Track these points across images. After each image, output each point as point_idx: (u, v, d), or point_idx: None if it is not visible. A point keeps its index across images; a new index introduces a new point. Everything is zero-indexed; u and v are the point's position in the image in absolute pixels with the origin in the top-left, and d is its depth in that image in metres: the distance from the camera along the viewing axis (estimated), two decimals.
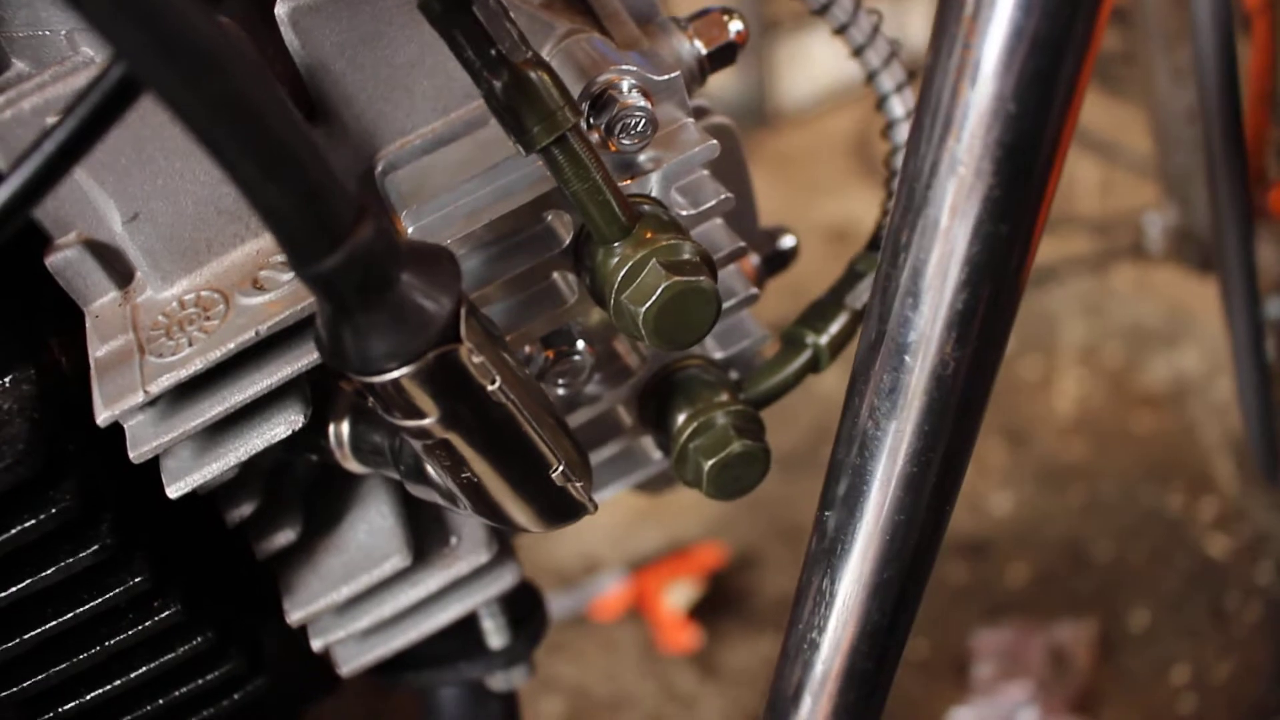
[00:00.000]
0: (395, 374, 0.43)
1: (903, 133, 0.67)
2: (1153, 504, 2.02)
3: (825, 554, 0.53)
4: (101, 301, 0.54)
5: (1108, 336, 2.34)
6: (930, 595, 1.91)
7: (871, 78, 0.67)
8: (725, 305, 0.60)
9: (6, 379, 0.52)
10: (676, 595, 1.86)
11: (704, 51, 0.59)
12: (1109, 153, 2.65)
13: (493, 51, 0.46)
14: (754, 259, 0.68)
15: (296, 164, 0.38)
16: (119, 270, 0.53)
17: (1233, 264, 1.05)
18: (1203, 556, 1.92)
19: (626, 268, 0.49)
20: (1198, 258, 1.47)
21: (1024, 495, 2.07)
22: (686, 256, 0.49)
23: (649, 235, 0.50)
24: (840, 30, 0.66)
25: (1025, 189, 0.42)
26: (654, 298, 0.48)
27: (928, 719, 1.73)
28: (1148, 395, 2.21)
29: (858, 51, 0.66)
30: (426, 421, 0.45)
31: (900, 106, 0.67)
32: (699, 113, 0.63)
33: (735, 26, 0.60)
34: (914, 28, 3.05)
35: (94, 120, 0.38)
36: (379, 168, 0.55)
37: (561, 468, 0.50)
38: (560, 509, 0.52)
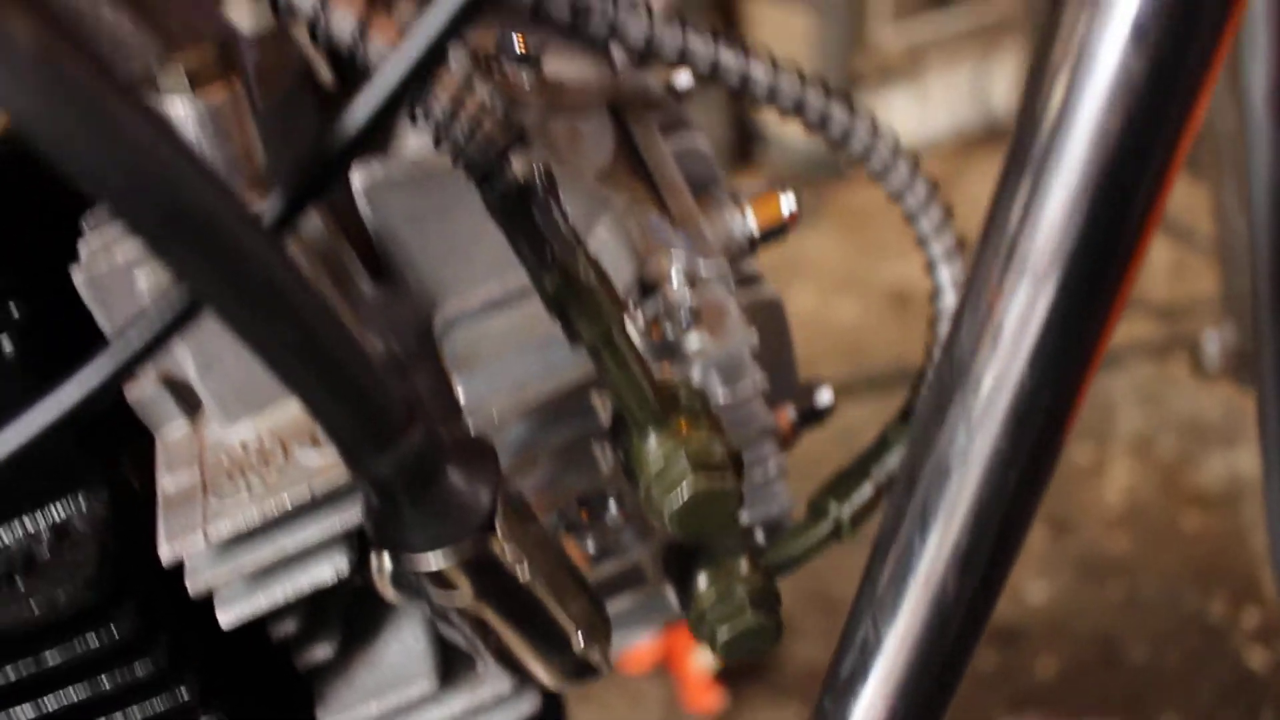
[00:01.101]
0: (434, 561, 0.46)
1: (945, 305, 0.69)
2: (1194, 608, 1.99)
3: None
4: (171, 429, 0.58)
5: (1164, 428, 2.31)
6: None
7: (923, 243, 0.69)
8: (755, 478, 0.63)
9: (83, 501, 0.56)
10: (705, 655, 1.88)
11: (756, 231, 0.61)
12: (1184, 235, 2.61)
13: (547, 253, 0.49)
14: (791, 413, 0.70)
15: (351, 382, 0.41)
16: (189, 402, 0.57)
17: (1271, 379, 1.05)
18: (1241, 668, 1.89)
19: (657, 460, 0.52)
20: (1255, 377, 1.46)
21: (1061, 585, 2.05)
22: (715, 456, 0.52)
23: (682, 427, 0.53)
24: (896, 198, 0.68)
25: (1037, 449, 0.45)
26: (680, 496, 0.51)
27: None
28: (1199, 493, 2.18)
29: (911, 218, 0.69)
30: (459, 598, 0.49)
31: (947, 275, 0.69)
32: (749, 281, 0.65)
33: (788, 206, 0.62)
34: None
35: (165, 330, 0.41)
36: (437, 324, 0.58)
37: (582, 638, 0.53)
38: (578, 672, 0.55)
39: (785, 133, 3.04)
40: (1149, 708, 1.85)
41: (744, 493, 0.55)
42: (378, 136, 0.50)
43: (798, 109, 0.63)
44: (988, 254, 0.44)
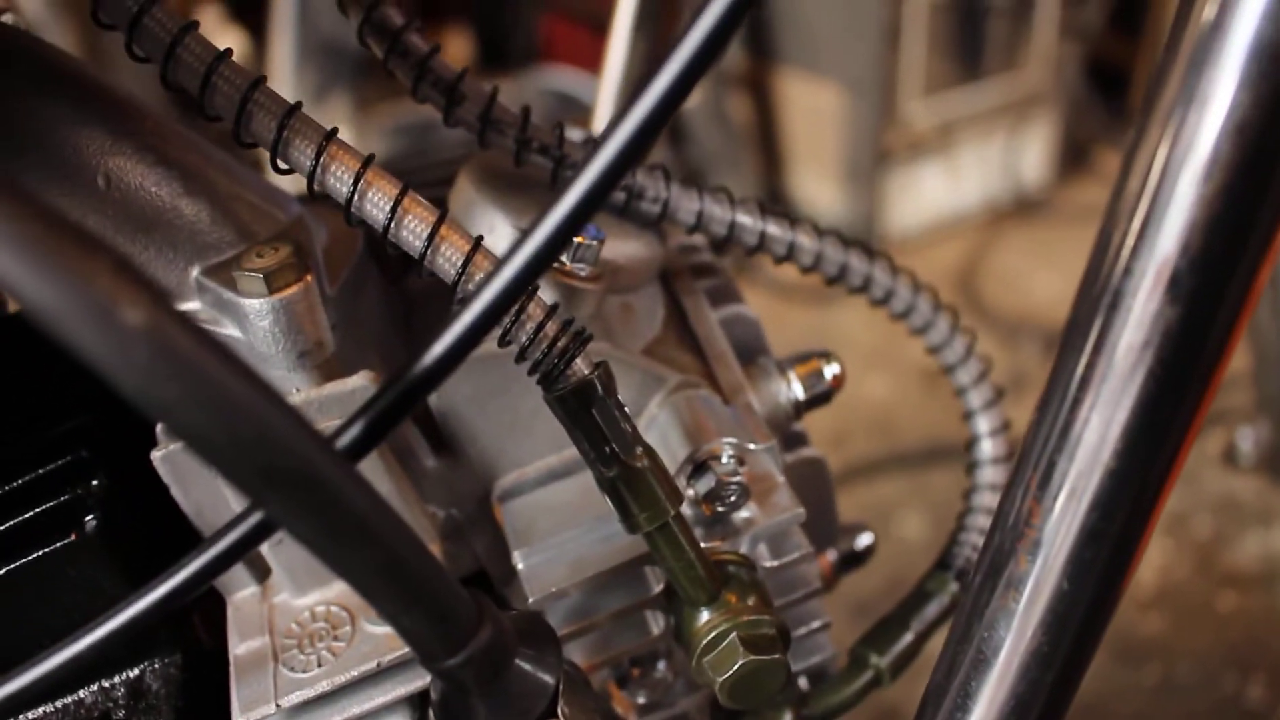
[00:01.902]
0: None
1: (983, 456, 0.71)
2: (1231, 691, 1.97)
3: None
4: (243, 595, 0.61)
5: (1198, 508, 2.30)
6: None
7: (960, 393, 0.72)
8: (799, 632, 0.65)
9: (157, 663, 0.59)
10: None
11: (801, 398, 0.64)
12: None
13: (607, 449, 0.52)
14: (831, 556, 0.72)
15: (428, 595, 0.44)
16: (259, 569, 0.60)
17: None
18: None
19: (709, 635, 0.54)
20: None
21: (1096, 667, 2.02)
22: (764, 631, 0.54)
23: (733, 602, 0.55)
24: (934, 351, 0.70)
25: (1076, 651, 0.47)
26: (731, 671, 0.54)
27: None
28: (1235, 574, 2.17)
29: (949, 370, 0.71)
30: None
31: (984, 425, 0.71)
32: (795, 440, 0.68)
33: (832, 372, 0.65)
34: None
35: (242, 544, 0.44)
36: (496, 493, 0.61)
37: None
38: None
39: (818, 200, 3.08)
40: None
41: (792, 677, 0.57)
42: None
43: (841, 273, 0.66)
44: (1025, 469, 0.47)
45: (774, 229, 0.64)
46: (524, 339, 0.50)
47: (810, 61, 2.92)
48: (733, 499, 0.57)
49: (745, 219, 0.64)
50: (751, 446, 0.58)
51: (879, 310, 0.68)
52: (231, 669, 0.58)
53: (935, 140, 2.95)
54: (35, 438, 0.59)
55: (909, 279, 0.69)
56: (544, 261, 0.42)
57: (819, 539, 0.67)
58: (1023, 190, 3.16)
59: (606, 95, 1.16)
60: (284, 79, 2.80)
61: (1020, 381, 2.71)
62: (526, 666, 0.49)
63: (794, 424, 0.66)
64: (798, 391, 0.64)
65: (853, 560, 0.74)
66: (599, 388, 0.51)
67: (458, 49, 3.52)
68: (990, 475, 0.71)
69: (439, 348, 0.43)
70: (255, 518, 0.44)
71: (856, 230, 3.01)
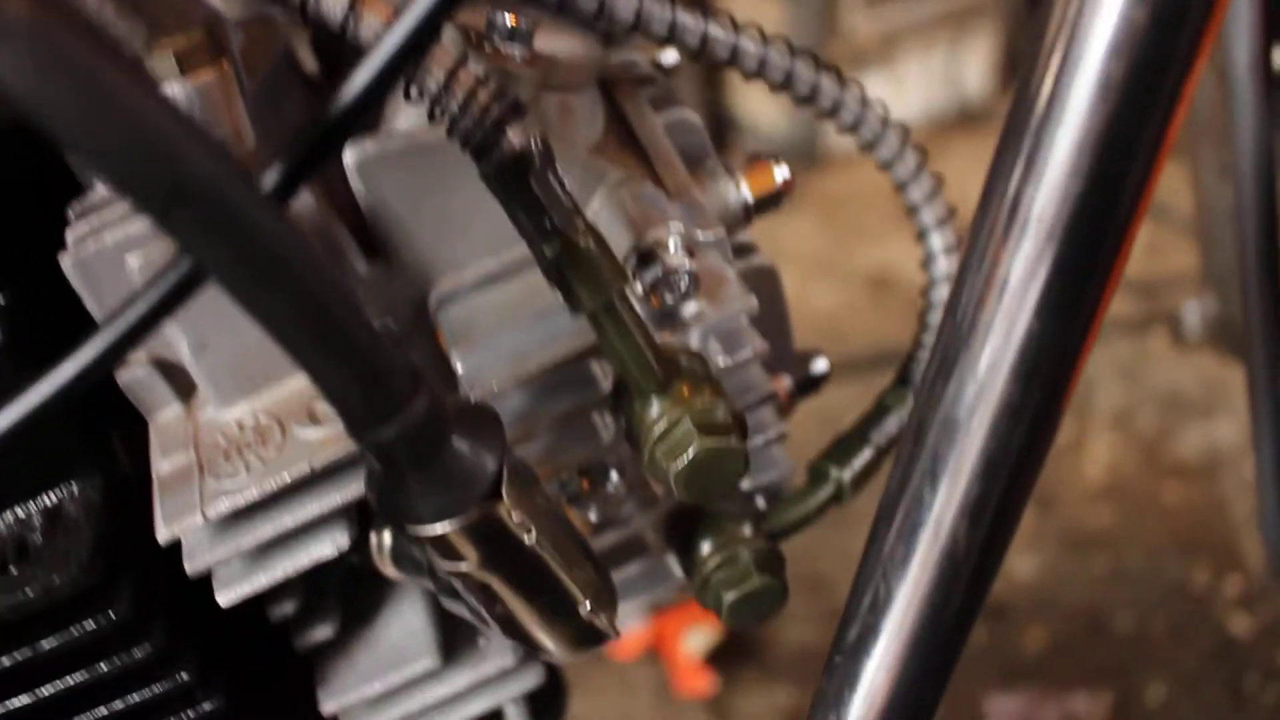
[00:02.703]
0: (440, 529, 0.46)
1: (938, 271, 0.69)
2: (1177, 578, 2.01)
3: (833, 696, 0.55)
4: (165, 414, 0.57)
5: (1143, 403, 2.33)
6: None
7: (913, 211, 0.69)
8: (756, 443, 0.63)
9: (75, 487, 0.55)
10: (695, 640, 1.88)
11: (750, 200, 0.61)
12: (1158, 214, 2.63)
13: (546, 222, 0.49)
14: (787, 383, 0.70)
15: (356, 349, 0.41)
16: (183, 385, 0.57)
17: (1259, 353, 1.06)
18: (1224, 635, 1.91)
19: (661, 424, 0.52)
20: (1235, 346, 1.47)
21: (1047, 560, 2.07)
22: (719, 417, 0.52)
23: (685, 392, 0.52)
24: (885, 167, 0.68)
25: (1044, 403, 0.45)
26: (686, 457, 0.51)
27: None
28: (1180, 466, 2.20)
29: (901, 187, 0.69)
30: (465, 566, 0.48)
31: (939, 242, 0.69)
32: (744, 250, 0.65)
33: (782, 174, 0.62)
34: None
35: (162, 305, 0.41)
36: (434, 300, 0.58)
37: (590, 604, 0.53)
38: (586, 639, 0.55)
39: (760, 119, 3.05)
40: (1135, 677, 1.86)
41: (749, 464, 0.55)
42: (371, 114, 0.50)
43: (787, 81, 0.63)
44: (990, 209, 0.44)
45: (717, 32, 0.61)
46: (454, 107, 0.47)
47: None
48: (682, 288, 0.54)
49: (687, 20, 0.60)
50: (700, 236, 0.56)
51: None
52: (155, 486, 0.55)
53: (877, 51, 2.93)
54: None
55: (858, 90, 0.66)
56: None
57: (773, 359, 0.65)
58: (965, 101, 3.15)
59: None
60: None
61: None
62: (466, 446, 0.46)
63: (743, 229, 0.63)
64: (746, 193, 0.61)
65: (809, 386, 0.72)
66: (536, 159, 0.48)
67: None
68: (945, 294, 0.69)
69: (359, 79, 0.40)
70: (174, 274, 0.40)
71: (799, 144, 2.99)
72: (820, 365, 0.72)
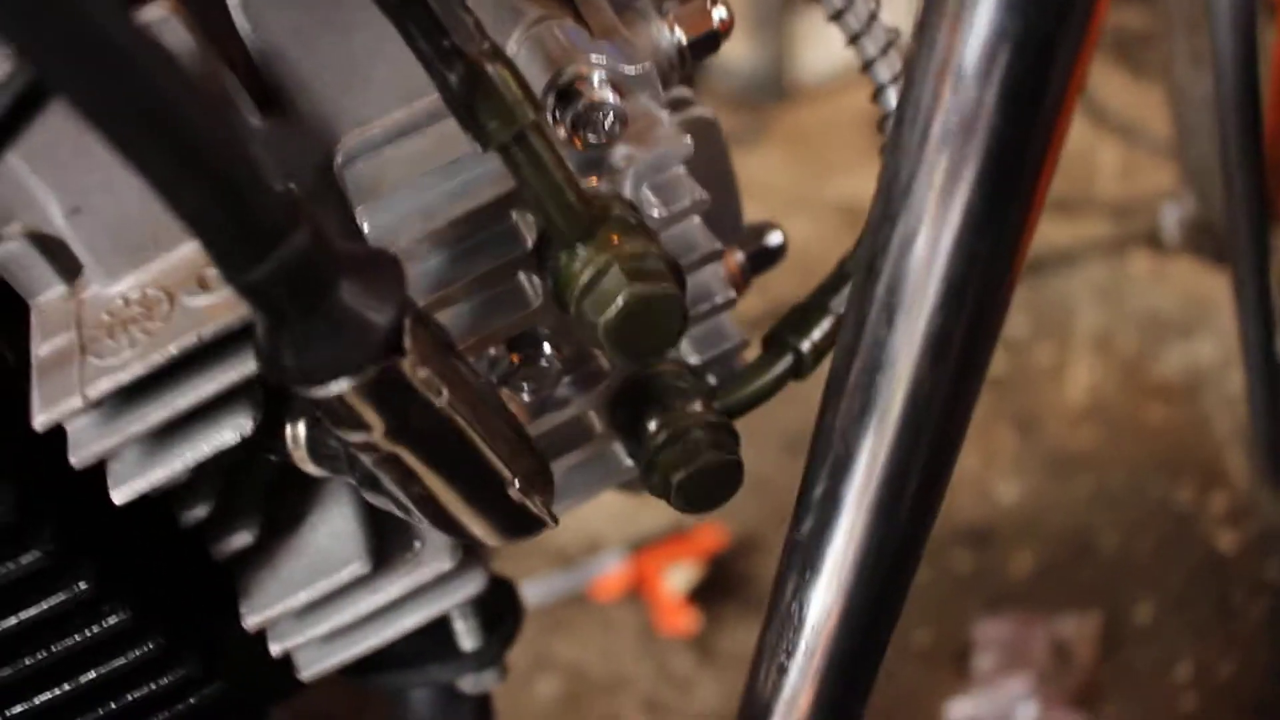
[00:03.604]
0: (335, 388, 0.41)
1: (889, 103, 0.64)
2: (1161, 496, 1.99)
3: (796, 576, 0.50)
4: (47, 295, 0.52)
5: (1123, 324, 2.30)
6: (933, 583, 1.89)
7: (868, 66, 0.64)
8: (700, 309, 0.57)
9: None
10: (677, 578, 1.85)
11: (684, 41, 0.56)
12: (1130, 135, 2.59)
13: (445, 43, 0.43)
14: (739, 256, 0.65)
15: (221, 169, 0.35)
16: (65, 264, 0.51)
17: (1245, 259, 1.01)
18: (1210, 551, 1.89)
19: (587, 273, 0.47)
20: (1215, 250, 1.43)
21: (1031, 484, 2.04)
22: (651, 263, 0.47)
23: (613, 239, 0.47)
24: (835, 17, 0.63)
25: (1008, 205, 0.39)
26: (614, 306, 0.46)
27: (928, 710, 1.72)
28: (1161, 386, 2.17)
29: (854, 39, 0.63)
30: (371, 435, 0.43)
31: (896, 99, 0.64)
32: (680, 104, 0.60)
33: (719, 14, 0.57)
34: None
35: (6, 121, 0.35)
36: (338, 158, 0.52)
37: (519, 483, 0.48)
38: (518, 524, 0.50)
39: (726, 54, 2.97)
40: (1123, 597, 1.84)
41: (689, 317, 0.50)
42: None
43: None
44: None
45: None
46: None
47: None
48: (607, 126, 0.49)
49: None
50: (626, 70, 0.50)
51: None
52: (34, 371, 0.49)
53: None
54: None
55: None
56: None
57: (720, 227, 0.60)
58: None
59: None
60: None
61: None
62: (359, 292, 0.40)
63: (677, 79, 0.58)
64: (680, 35, 0.56)
65: (763, 259, 0.66)
66: None
67: None
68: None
69: None
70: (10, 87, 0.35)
71: (765, 78, 2.93)
72: (774, 238, 0.67)
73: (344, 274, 0.40)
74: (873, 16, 0.63)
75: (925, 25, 0.40)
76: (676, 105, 0.59)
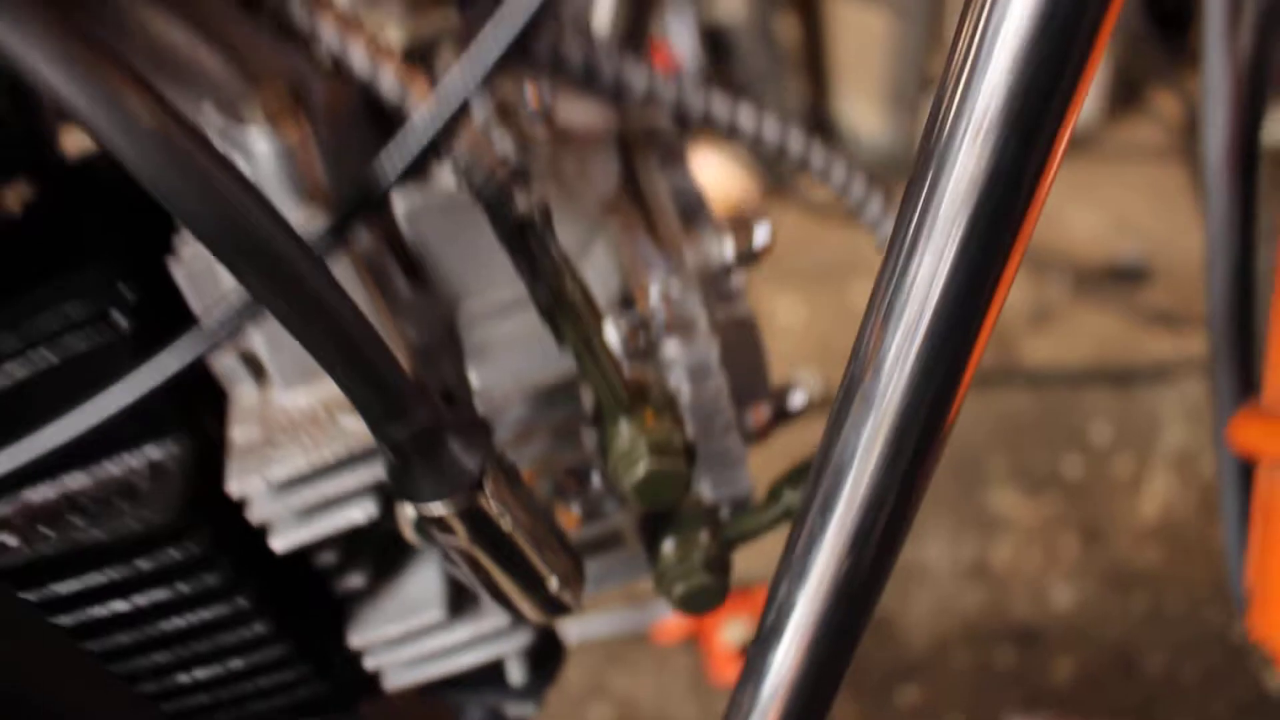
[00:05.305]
0: (435, 509, 0.59)
1: None
2: (1217, 625, 2.03)
3: (749, 679, 0.67)
4: (242, 391, 0.72)
5: (1207, 447, 2.34)
6: (973, 672, 1.98)
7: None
8: (718, 465, 0.74)
9: (173, 445, 0.71)
10: (733, 631, 2.00)
11: (730, 258, 0.73)
12: None
13: (540, 272, 0.62)
14: (766, 411, 0.81)
15: (372, 367, 0.54)
16: (259, 371, 0.71)
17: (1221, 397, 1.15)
18: (1257, 689, 1.93)
19: (623, 443, 0.64)
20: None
21: (1087, 592, 2.11)
22: (671, 443, 0.64)
23: (648, 418, 0.65)
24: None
25: (921, 443, 0.55)
26: (637, 473, 0.64)
27: None
28: None
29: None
30: (455, 539, 0.62)
31: None
32: (728, 298, 0.77)
33: (761, 238, 0.74)
34: None
35: (238, 319, 0.55)
36: (459, 318, 0.71)
37: (556, 581, 0.66)
38: (553, 608, 0.68)
39: (860, 129, 3.11)
40: (1161, 718, 1.90)
41: (711, 476, 0.67)
42: (413, 174, 0.63)
43: (804, 163, 0.74)
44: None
45: (746, 116, 0.72)
46: (478, 180, 0.60)
47: None
48: (656, 331, 0.66)
49: (693, 98, 0.72)
50: (675, 285, 0.68)
51: None
52: (230, 449, 0.69)
53: None
54: (67, 274, 0.70)
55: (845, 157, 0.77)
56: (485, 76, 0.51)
57: (751, 392, 0.77)
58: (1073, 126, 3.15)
59: None
60: None
61: (1043, 314, 2.75)
62: (459, 447, 0.59)
63: (729, 283, 0.75)
64: (730, 250, 0.73)
65: (786, 415, 0.83)
66: (536, 222, 0.61)
67: None
68: None
69: (398, 152, 0.53)
70: (240, 301, 0.55)
71: (898, 155, 3.04)
72: (797, 399, 0.83)
73: (450, 435, 0.59)
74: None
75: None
76: (725, 299, 0.76)
